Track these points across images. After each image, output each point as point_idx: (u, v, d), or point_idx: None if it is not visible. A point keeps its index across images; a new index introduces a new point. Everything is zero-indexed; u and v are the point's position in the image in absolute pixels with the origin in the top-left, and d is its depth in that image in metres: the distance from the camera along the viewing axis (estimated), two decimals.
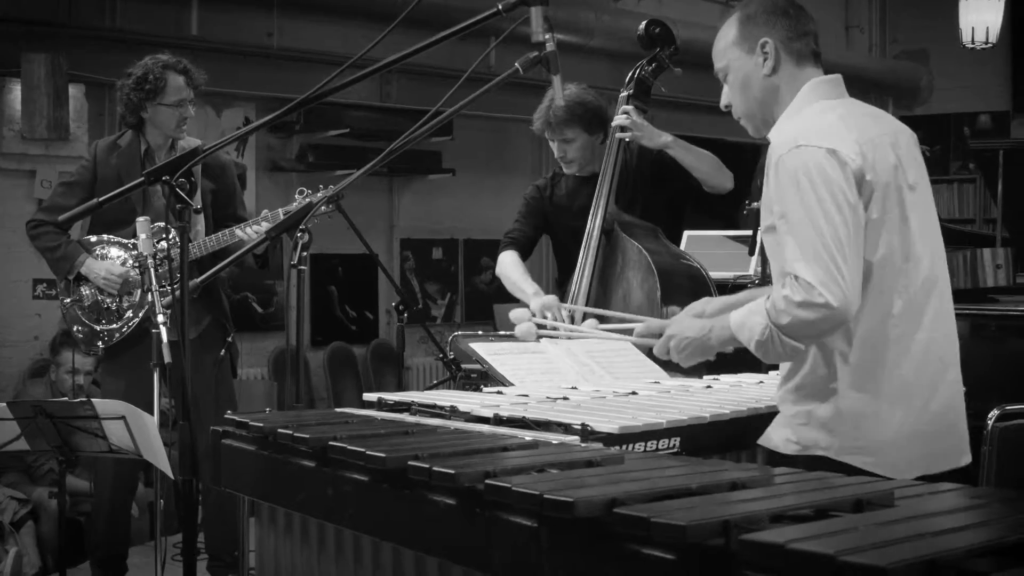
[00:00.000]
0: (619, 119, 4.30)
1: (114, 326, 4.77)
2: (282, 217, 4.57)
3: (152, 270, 4.05)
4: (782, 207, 2.59)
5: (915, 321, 2.65)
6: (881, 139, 2.66)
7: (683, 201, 4.66)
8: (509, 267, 4.54)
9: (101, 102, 7.21)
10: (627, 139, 4.29)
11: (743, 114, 2.85)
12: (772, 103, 2.78)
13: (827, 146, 2.56)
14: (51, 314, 6.93)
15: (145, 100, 4.73)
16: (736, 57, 2.81)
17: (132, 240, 4.60)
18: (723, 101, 2.89)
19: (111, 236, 4.81)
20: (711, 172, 4.31)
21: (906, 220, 2.65)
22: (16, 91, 6.76)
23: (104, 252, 4.79)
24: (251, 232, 4.64)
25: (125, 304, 4.77)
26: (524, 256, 4.61)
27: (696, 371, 3.30)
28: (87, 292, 4.78)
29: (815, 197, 2.54)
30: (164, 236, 4.41)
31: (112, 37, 7.08)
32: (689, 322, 2.92)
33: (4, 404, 4.02)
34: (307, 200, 4.51)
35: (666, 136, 4.29)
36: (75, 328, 4.82)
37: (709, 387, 3.37)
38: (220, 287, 4.99)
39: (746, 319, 2.68)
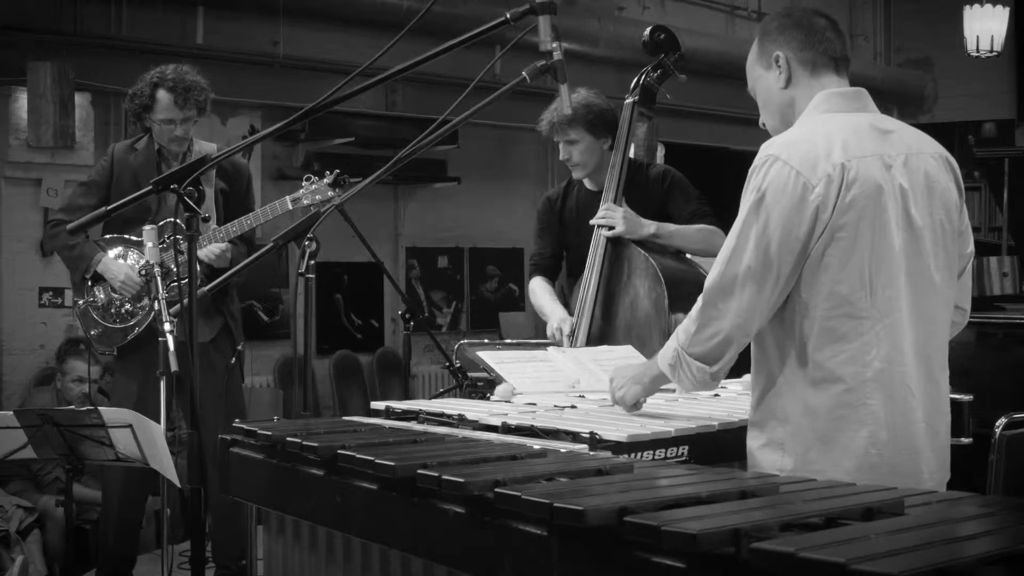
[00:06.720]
0: (599, 219, 4.26)
1: (128, 324, 4.79)
2: (289, 205, 4.63)
3: (159, 278, 4.07)
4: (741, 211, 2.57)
5: (893, 352, 2.52)
6: (872, 160, 2.54)
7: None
8: (538, 295, 4.57)
9: (107, 110, 7.23)
10: (610, 235, 4.26)
11: (772, 130, 2.80)
12: (790, 116, 2.72)
13: (796, 167, 2.49)
14: (57, 322, 6.94)
15: (141, 112, 4.79)
16: (758, 76, 2.80)
17: (140, 239, 4.63)
18: (760, 120, 2.87)
19: (122, 235, 4.83)
20: (704, 248, 4.29)
21: (890, 247, 2.53)
22: (22, 99, 6.77)
23: (116, 252, 4.81)
24: (207, 252, 4.67)
25: (137, 305, 4.78)
26: (553, 276, 4.64)
27: None
28: (100, 293, 4.80)
29: (759, 213, 2.50)
30: (167, 238, 4.49)
31: (118, 46, 7.12)
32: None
33: (11, 412, 4.02)
34: (313, 186, 4.60)
35: (650, 226, 4.24)
36: (90, 330, 4.83)
37: (717, 395, 3.36)
38: (233, 294, 5.01)
39: (667, 345, 2.67)
